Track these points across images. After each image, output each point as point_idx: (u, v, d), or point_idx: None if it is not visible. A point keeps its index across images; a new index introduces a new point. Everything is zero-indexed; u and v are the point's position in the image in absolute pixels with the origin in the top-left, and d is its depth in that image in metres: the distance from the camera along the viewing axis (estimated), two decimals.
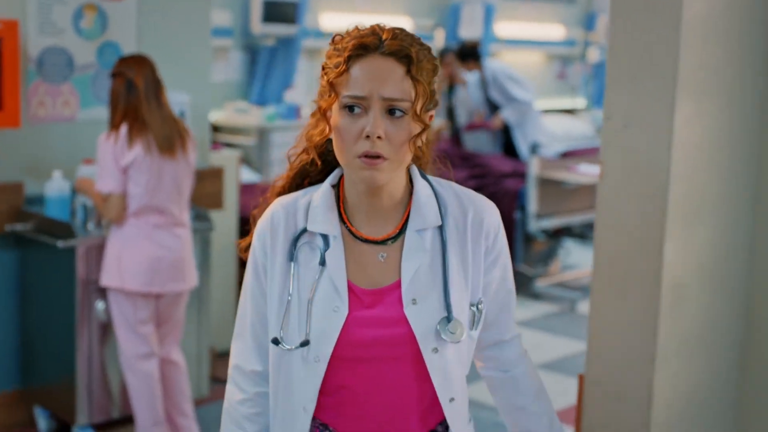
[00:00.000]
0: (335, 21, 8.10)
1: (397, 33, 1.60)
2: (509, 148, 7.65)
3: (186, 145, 3.77)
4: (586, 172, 6.71)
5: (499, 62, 8.02)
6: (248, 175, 6.41)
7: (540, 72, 10.07)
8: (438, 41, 9.11)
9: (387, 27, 1.61)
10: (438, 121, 7.41)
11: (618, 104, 2.31)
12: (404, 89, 1.57)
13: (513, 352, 1.81)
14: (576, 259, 7.61)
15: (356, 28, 1.62)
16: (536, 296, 6.66)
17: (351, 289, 1.64)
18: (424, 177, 1.70)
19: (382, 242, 1.66)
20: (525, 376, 1.81)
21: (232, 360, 1.75)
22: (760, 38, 2.41)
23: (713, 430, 2.45)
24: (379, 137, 1.55)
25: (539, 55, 10.25)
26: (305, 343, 1.62)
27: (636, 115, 2.28)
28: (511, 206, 6.63)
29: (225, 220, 4.85)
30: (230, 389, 1.75)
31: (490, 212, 1.69)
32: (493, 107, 7.52)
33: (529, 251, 6.78)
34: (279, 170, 7.03)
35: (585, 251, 7.61)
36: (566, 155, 7.74)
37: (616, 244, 2.30)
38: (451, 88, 7.55)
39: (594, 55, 10.27)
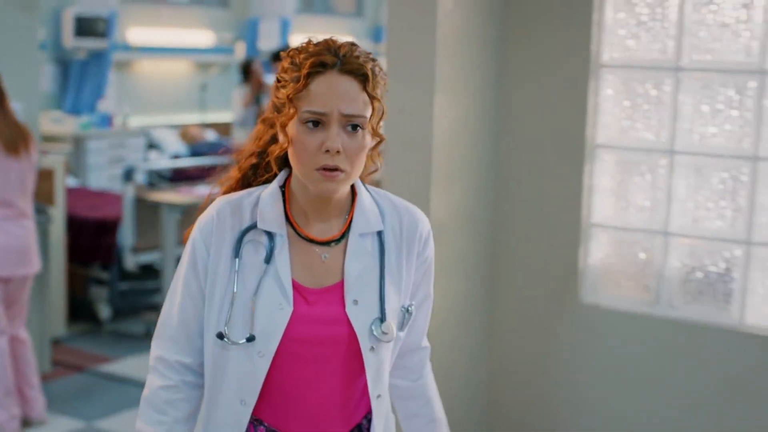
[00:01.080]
0: (143, 35, 8.53)
1: (353, 50, 1.63)
2: None
3: (29, 146, 4.21)
4: None
5: None
6: (69, 180, 6.79)
7: None
8: (239, 53, 9.63)
9: (340, 43, 1.63)
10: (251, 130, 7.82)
11: (395, 96, 3.07)
12: (361, 105, 1.60)
13: (423, 360, 1.87)
14: None
15: (310, 42, 1.64)
16: None
17: (295, 287, 1.65)
18: (363, 186, 1.73)
19: (326, 243, 1.68)
20: (430, 385, 1.88)
21: (155, 352, 1.71)
22: (494, 49, 3.26)
23: (470, 332, 3.28)
24: (338, 151, 1.57)
25: None
26: (251, 339, 1.62)
27: (407, 104, 3.05)
28: None
29: (54, 218, 5.12)
30: (152, 378, 1.70)
31: (423, 220, 1.77)
32: None
33: None
34: (96, 175, 7.41)
35: None
36: None
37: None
38: (258, 96, 7.90)
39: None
